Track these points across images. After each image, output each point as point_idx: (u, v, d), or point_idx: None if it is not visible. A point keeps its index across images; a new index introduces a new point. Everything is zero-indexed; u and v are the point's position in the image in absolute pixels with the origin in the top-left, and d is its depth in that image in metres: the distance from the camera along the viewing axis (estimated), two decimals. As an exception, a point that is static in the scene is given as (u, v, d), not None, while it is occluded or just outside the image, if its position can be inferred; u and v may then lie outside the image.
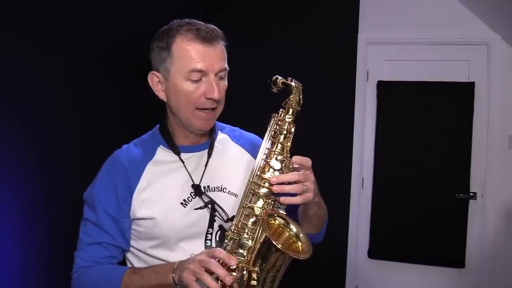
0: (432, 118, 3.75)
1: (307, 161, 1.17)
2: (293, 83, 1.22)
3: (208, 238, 1.26)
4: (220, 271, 1.03)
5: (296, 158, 1.17)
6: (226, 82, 1.28)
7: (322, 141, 3.78)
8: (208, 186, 1.30)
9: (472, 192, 3.66)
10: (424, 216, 3.71)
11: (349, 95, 3.90)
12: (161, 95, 1.29)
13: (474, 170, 3.66)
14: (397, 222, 3.77)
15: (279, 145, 1.20)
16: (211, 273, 1.04)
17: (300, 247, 1.13)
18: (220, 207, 1.27)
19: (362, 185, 3.91)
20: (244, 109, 3.25)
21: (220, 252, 1.06)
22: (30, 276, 2.72)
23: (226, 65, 1.26)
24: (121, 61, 3.34)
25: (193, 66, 1.20)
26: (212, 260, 1.04)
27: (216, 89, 1.21)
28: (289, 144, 1.20)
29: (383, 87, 3.86)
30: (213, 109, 1.25)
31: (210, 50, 1.22)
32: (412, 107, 3.82)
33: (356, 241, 3.90)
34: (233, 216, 1.20)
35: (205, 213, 1.27)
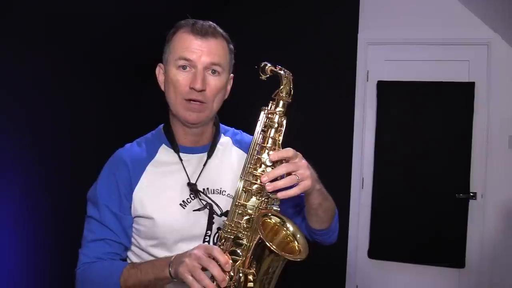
0: (432, 118, 3.75)
1: (287, 152, 1.13)
2: (282, 72, 1.18)
3: (206, 240, 1.26)
4: (218, 273, 1.01)
5: (272, 156, 1.12)
6: (219, 80, 1.25)
7: (322, 141, 3.78)
8: (207, 188, 1.29)
9: (472, 192, 3.66)
10: (424, 216, 3.70)
11: (349, 95, 3.90)
12: (162, 87, 1.32)
13: (474, 170, 3.65)
14: (397, 222, 3.77)
15: (270, 139, 1.17)
16: (205, 269, 1.03)
17: (296, 247, 1.10)
18: (217, 204, 1.26)
19: (362, 185, 3.91)
20: (244, 110, 3.24)
21: (219, 253, 1.05)
22: (30, 276, 2.72)
23: (221, 63, 1.24)
24: (121, 61, 3.34)
25: (181, 54, 1.23)
26: (211, 260, 1.03)
27: (199, 79, 1.21)
28: (280, 138, 1.17)
29: (383, 87, 3.85)
30: (202, 102, 1.24)
31: (202, 43, 1.23)
32: (412, 107, 3.81)
33: (356, 241, 3.89)
34: (227, 211, 1.19)
35: (204, 215, 1.26)
